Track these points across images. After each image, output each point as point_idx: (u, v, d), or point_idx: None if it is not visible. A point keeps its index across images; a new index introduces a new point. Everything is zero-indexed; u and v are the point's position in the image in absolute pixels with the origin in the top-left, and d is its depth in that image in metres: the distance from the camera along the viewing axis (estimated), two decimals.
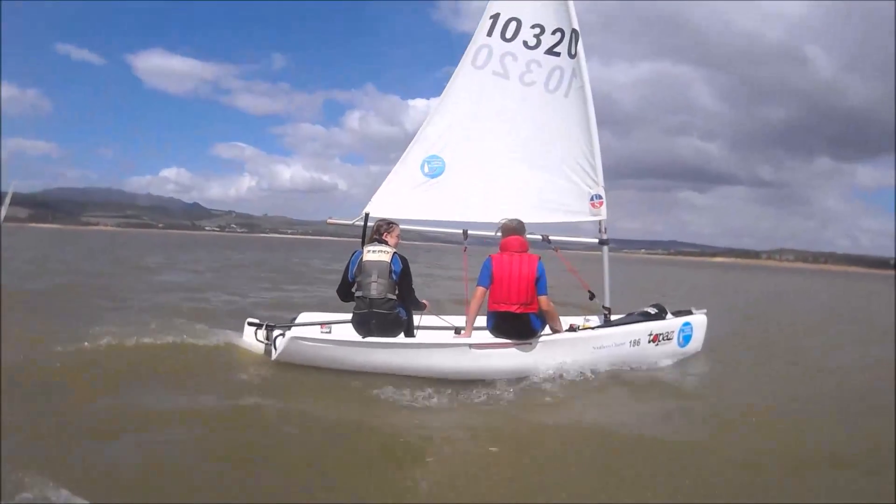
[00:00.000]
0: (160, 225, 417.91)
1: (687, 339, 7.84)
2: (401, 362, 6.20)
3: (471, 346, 6.33)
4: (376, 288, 6.16)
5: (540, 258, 6.44)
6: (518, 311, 6.25)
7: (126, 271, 19.84)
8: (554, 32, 7.67)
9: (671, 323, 7.73)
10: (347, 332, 6.53)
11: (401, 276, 6.26)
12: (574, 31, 7.64)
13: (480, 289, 6.36)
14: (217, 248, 50.85)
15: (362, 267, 6.25)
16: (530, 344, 6.45)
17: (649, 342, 7.38)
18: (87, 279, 15.63)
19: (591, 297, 8.01)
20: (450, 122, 7.67)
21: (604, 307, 7.91)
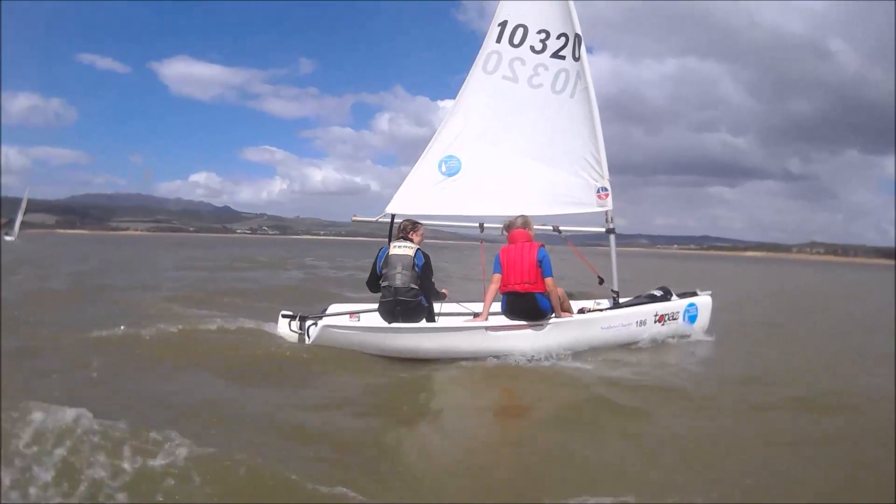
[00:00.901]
0: (191, 229, 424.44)
1: (692, 318, 8.59)
2: (423, 346, 6.96)
3: (487, 328, 7.12)
4: (401, 279, 6.98)
5: (542, 245, 7.33)
6: (522, 290, 7.14)
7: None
8: (559, 37, 8.40)
9: (676, 304, 8.50)
10: (374, 320, 7.33)
11: (423, 269, 7.08)
12: (577, 35, 8.36)
13: (496, 275, 7.25)
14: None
15: (388, 260, 7.10)
16: (542, 325, 7.22)
17: (655, 322, 8.16)
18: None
19: (601, 281, 8.77)
20: (464, 125, 8.43)
21: (612, 291, 8.66)
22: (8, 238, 56.47)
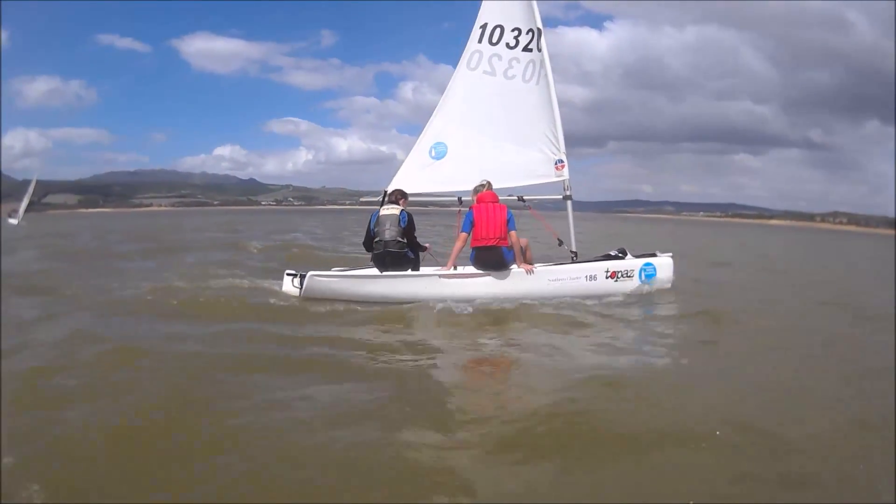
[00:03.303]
0: (215, 202, 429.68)
1: (649, 277, 9.73)
2: (391, 291, 8.89)
3: (441, 275, 8.98)
4: (389, 233, 8.94)
5: (508, 208, 9.07)
6: (493, 244, 8.84)
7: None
8: (527, 32, 10.29)
9: (631, 262, 9.74)
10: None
11: (406, 225, 9.02)
12: (538, 29, 10.23)
13: (463, 234, 9.02)
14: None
15: (379, 220, 9.06)
16: (490, 275, 9.00)
17: (607, 278, 9.48)
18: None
19: (560, 243, 10.19)
20: (450, 115, 10.52)
21: (570, 251, 10.05)
22: (12, 221, 56.42)
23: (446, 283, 8.94)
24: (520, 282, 9.06)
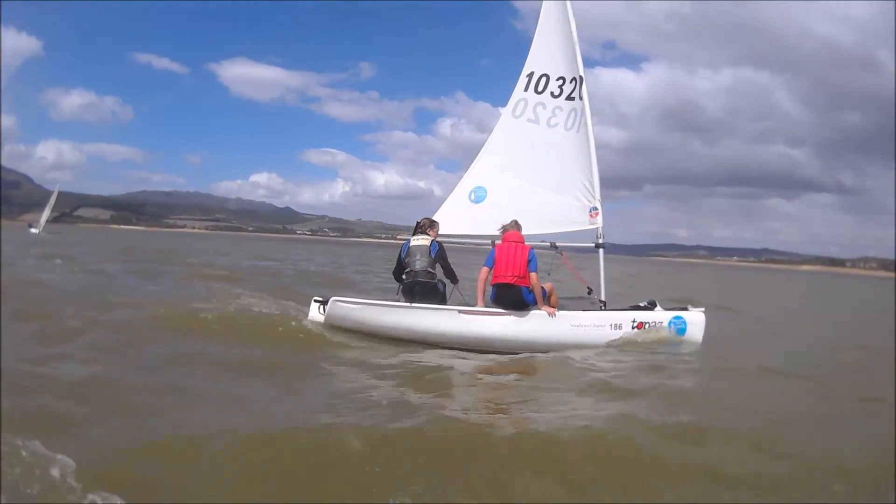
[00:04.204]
0: (250, 228, 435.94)
1: (680, 332, 9.42)
2: (410, 324, 9.04)
3: (459, 311, 9.03)
4: (419, 263, 9.17)
5: (532, 248, 9.18)
6: (512, 282, 8.91)
7: None
8: (571, 81, 10.57)
9: (659, 314, 9.50)
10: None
11: (438, 254, 9.25)
12: (580, 76, 10.47)
13: (484, 269, 9.12)
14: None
15: (410, 251, 9.28)
16: (510, 315, 9.01)
17: (633, 328, 9.23)
18: None
19: (589, 291, 10.14)
20: (492, 161, 10.91)
21: (600, 300, 9.93)
22: (33, 231, 58.65)
23: (465, 319, 9.00)
24: (540, 324, 9.03)
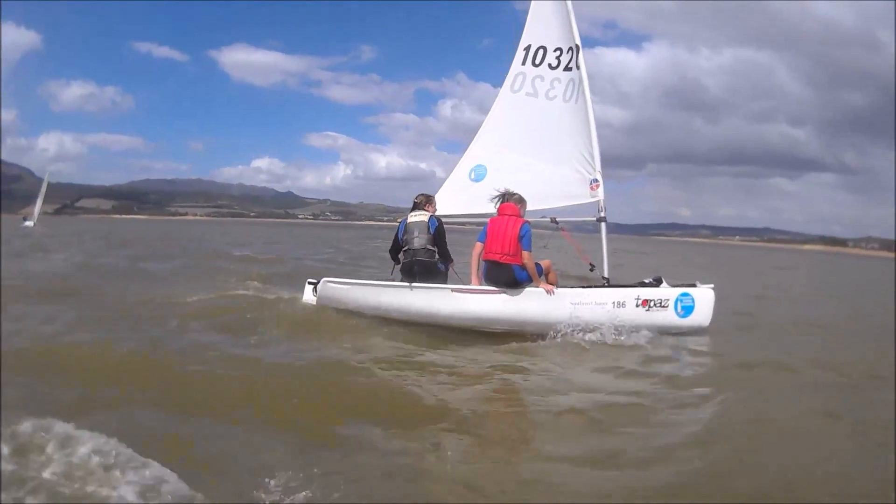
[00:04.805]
0: (252, 214, 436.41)
1: (687, 310, 9.10)
2: (402, 303, 8.78)
3: (453, 289, 8.66)
4: (418, 241, 8.81)
5: (527, 222, 8.66)
6: (501, 261, 8.47)
7: None
8: (568, 51, 10.37)
9: (665, 291, 9.11)
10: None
11: (436, 232, 8.87)
12: (577, 45, 10.26)
13: (478, 244, 8.72)
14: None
15: (407, 227, 8.95)
16: (506, 293, 8.55)
17: (637, 306, 8.84)
18: None
19: (592, 268, 9.74)
20: (491, 137, 10.76)
21: (603, 277, 9.59)
22: (27, 223, 57.89)
23: (459, 297, 8.61)
24: (538, 302, 8.61)
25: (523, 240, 8.47)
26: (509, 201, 8.93)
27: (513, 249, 8.45)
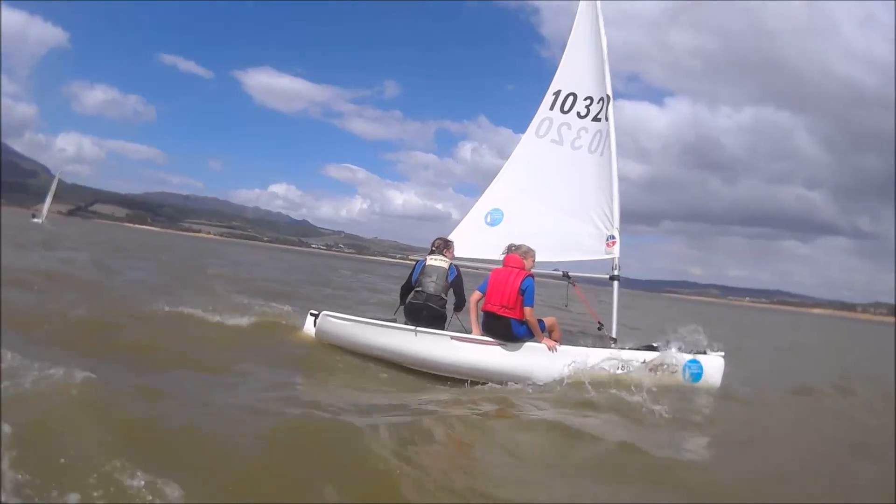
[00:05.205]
0: (265, 238, 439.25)
1: (696, 377, 8.76)
2: (399, 346, 8.38)
3: (452, 336, 8.32)
4: (433, 287, 8.54)
5: (530, 275, 8.36)
6: (500, 313, 8.19)
7: None
8: (599, 101, 10.08)
9: (673, 356, 8.68)
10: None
11: (454, 281, 8.67)
12: (608, 96, 9.97)
13: (476, 293, 8.49)
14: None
15: (425, 270, 8.69)
16: (505, 345, 8.24)
17: (646, 371, 8.39)
18: None
19: (600, 327, 9.46)
20: (512, 182, 10.46)
21: (610, 338, 9.24)
22: (35, 220, 59.07)
23: (457, 346, 8.27)
24: (537, 358, 8.25)
25: (525, 294, 8.18)
26: (515, 253, 8.65)
27: (512, 303, 8.17)
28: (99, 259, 20.20)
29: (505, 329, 8.24)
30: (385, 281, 32.47)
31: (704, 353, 9.04)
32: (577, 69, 10.38)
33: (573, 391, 7.79)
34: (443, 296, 8.60)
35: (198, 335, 8.73)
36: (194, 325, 9.19)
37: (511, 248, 8.73)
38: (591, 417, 6.99)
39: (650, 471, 5.34)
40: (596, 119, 10.11)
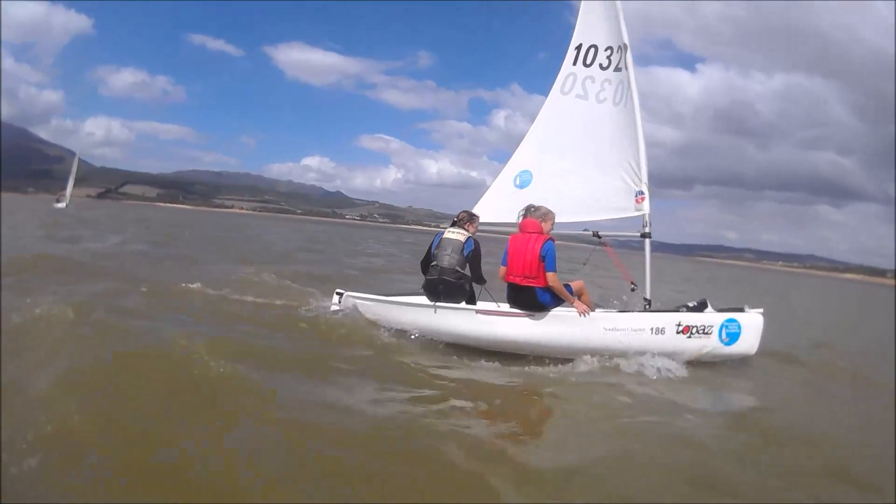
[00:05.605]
0: (299, 211, 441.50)
1: (733, 336, 8.39)
2: (423, 322, 8.22)
3: (477, 311, 8.09)
4: (448, 260, 8.25)
5: (550, 239, 7.97)
6: (522, 283, 7.87)
7: None
8: (618, 50, 9.78)
9: (709, 317, 8.39)
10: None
11: (472, 254, 8.30)
12: (624, 44, 9.69)
13: (501, 268, 8.17)
14: None
15: (441, 243, 8.43)
16: (533, 316, 7.87)
17: (678, 333, 8.10)
18: None
19: (633, 288, 9.16)
20: (539, 142, 10.22)
21: (644, 299, 9.06)
22: (59, 205, 58.79)
23: (483, 320, 8.02)
24: (567, 326, 7.93)
25: (546, 259, 7.81)
26: (532, 216, 8.30)
27: (534, 271, 7.82)
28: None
29: (530, 299, 7.90)
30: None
31: (742, 310, 8.72)
32: (594, 20, 10.07)
33: (611, 360, 7.78)
34: (458, 269, 8.31)
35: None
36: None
37: (530, 210, 8.38)
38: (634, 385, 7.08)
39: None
40: (618, 69, 9.82)
